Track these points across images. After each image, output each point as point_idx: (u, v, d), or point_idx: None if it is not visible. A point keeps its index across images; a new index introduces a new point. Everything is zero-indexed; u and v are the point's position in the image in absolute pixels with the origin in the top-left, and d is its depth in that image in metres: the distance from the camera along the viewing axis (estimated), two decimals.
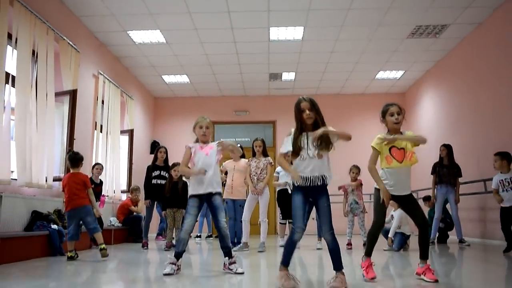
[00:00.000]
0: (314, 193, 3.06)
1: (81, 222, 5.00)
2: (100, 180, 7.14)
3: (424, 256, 3.25)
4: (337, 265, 2.96)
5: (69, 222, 5.03)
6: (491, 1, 6.72)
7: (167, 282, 3.32)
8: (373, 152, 3.40)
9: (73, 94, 6.47)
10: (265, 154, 6.25)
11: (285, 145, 3.14)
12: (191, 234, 4.02)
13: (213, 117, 11.86)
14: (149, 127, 11.45)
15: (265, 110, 11.82)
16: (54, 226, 5.42)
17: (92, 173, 6.96)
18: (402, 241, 5.98)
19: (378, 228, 3.38)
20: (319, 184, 3.02)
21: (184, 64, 9.54)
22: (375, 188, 3.38)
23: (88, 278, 3.73)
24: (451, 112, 8.81)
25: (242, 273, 3.67)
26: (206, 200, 3.86)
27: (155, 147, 9.39)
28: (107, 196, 7.84)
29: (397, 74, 10.22)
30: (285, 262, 3.04)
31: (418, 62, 9.37)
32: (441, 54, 8.94)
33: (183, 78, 10.48)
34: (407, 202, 3.38)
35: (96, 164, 7.17)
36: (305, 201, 3.06)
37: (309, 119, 3.06)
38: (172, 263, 3.69)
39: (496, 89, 7.04)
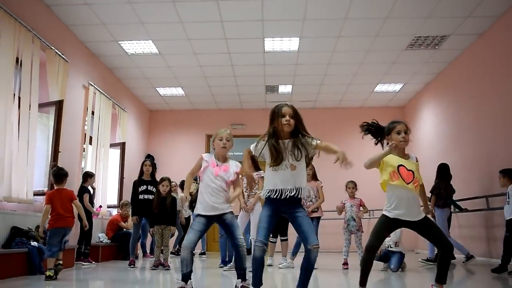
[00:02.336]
0: (287, 207, 2.89)
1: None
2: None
3: (441, 279, 2.99)
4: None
5: (52, 239, 4.74)
6: (493, 11, 6.49)
7: None
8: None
9: (58, 105, 6.20)
10: (256, 167, 5.94)
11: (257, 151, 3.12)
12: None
13: (209, 131, 11.66)
14: (144, 140, 11.19)
15: (262, 124, 11.12)
16: (34, 243, 5.13)
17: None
18: (400, 260, 5.66)
19: (371, 253, 3.03)
20: (293, 196, 2.87)
21: (178, 76, 9.32)
22: (383, 214, 3.08)
23: None
24: (452, 125, 8.54)
25: None
26: (216, 221, 3.62)
27: None
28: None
29: (396, 87, 9.99)
30: (256, 283, 2.92)
31: (417, 74, 9.13)
32: (441, 66, 8.71)
33: (178, 91, 10.27)
34: (423, 228, 3.02)
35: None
36: (273, 215, 2.90)
37: (288, 126, 2.91)
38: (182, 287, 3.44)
39: (499, 102, 6.77)
